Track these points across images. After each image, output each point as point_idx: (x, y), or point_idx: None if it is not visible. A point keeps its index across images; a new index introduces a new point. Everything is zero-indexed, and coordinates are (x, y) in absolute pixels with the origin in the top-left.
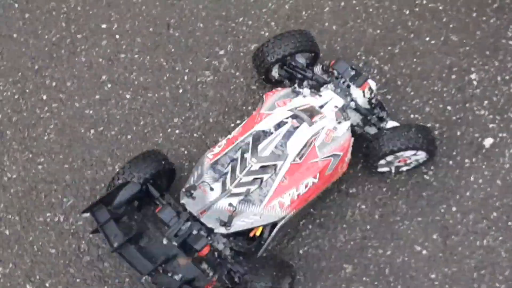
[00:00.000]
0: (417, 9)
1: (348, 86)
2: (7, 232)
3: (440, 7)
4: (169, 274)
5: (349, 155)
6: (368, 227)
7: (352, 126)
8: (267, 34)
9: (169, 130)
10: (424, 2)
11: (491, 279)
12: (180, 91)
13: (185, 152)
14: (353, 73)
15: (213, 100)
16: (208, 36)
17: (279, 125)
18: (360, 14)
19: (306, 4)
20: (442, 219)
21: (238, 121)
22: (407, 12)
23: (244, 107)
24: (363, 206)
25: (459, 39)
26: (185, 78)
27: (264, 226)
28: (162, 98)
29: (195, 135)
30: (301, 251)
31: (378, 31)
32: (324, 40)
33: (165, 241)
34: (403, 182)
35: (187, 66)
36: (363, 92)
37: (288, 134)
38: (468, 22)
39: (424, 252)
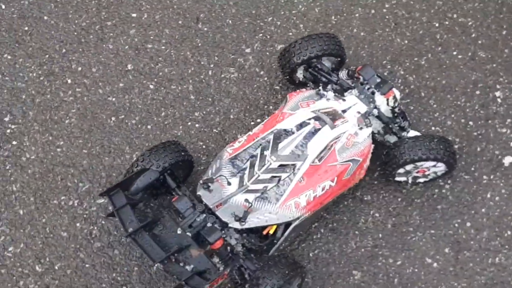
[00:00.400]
0: (446, 23)
1: (373, 93)
2: (21, 212)
3: (470, 23)
4: (181, 264)
5: (368, 162)
6: (380, 235)
7: (372, 133)
8: (294, 36)
9: (189, 123)
10: (455, 16)
11: None
12: (204, 85)
13: (203, 146)
14: (378, 80)
15: (235, 97)
16: (236, 33)
17: (301, 126)
18: (389, 23)
19: (336, 9)
20: (456, 233)
21: (258, 120)
22: (437, 24)
23: (265, 106)
24: (377, 214)
25: (487, 55)
26: (210, 73)
27: (278, 225)
28: (185, 91)
29: (214, 130)
30: (311, 254)
31: (406, 42)
32: (350, 46)
33: (179, 231)
34: (419, 193)
35: (213, 61)
36: (387, 100)
37: (310, 135)
38: (497, 39)
39: (435, 265)
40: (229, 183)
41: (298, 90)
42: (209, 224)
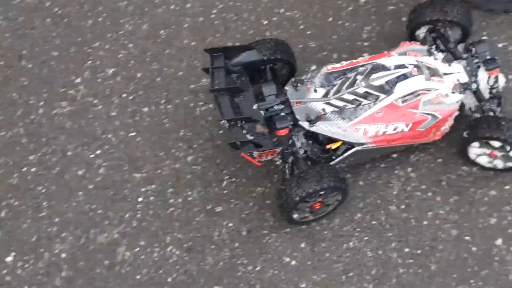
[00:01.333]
0: (275, 18)
1: (478, 67)
2: None
3: (297, 15)
4: (244, 131)
5: (446, 126)
6: (237, 244)
7: (463, 105)
8: (124, 57)
9: (24, 169)
10: (282, 11)
11: (359, 280)
12: (35, 126)
13: (43, 190)
14: (488, 57)
15: (70, 132)
16: (63, 65)
17: (399, 67)
18: (219, 28)
19: (164, 22)
20: (308, 226)
21: (98, 151)
22: (265, 22)
23: (104, 136)
24: (230, 224)
25: (317, 45)
26: (40, 111)
27: (343, 143)
28: (15, 135)
29: (53, 171)
30: (169, 279)
31: (238, 44)
32: (182, 58)
33: (255, 107)
34: (269, 195)
35: (42, 98)
36: (489, 78)
37: (403, 77)
38: (324, 27)
39: (293, 262)
40: (315, 91)
41: (412, 42)
42: (282, 114)
